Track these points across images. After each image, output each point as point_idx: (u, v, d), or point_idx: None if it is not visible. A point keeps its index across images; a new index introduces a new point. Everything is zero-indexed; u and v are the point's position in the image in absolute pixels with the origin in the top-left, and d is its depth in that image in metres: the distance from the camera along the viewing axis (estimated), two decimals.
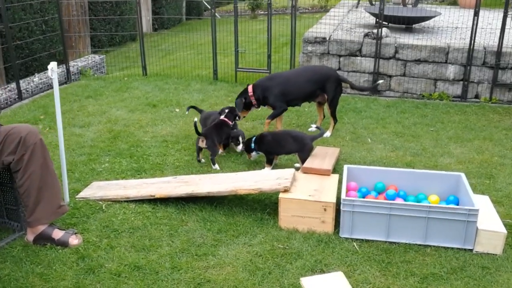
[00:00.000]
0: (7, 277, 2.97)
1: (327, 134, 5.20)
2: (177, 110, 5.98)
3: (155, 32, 13.19)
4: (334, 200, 3.51)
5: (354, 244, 3.40)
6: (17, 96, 6.33)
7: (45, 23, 8.28)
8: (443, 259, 3.26)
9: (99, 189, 4.00)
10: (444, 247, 3.37)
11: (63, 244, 3.27)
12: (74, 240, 3.30)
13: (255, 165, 4.55)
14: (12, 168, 3.17)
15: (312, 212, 3.50)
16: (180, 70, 7.84)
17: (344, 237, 3.47)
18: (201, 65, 7.86)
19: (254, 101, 5.05)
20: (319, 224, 3.52)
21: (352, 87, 5.51)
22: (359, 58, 6.86)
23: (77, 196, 3.89)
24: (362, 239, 3.45)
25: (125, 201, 3.82)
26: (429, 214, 3.36)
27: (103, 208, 3.75)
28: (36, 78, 6.91)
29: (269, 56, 7.12)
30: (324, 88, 5.13)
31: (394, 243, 3.41)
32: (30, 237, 3.32)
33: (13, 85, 6.41)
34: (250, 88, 5.07)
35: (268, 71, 7.17)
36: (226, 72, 7.53)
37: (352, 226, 3.46)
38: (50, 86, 7.00)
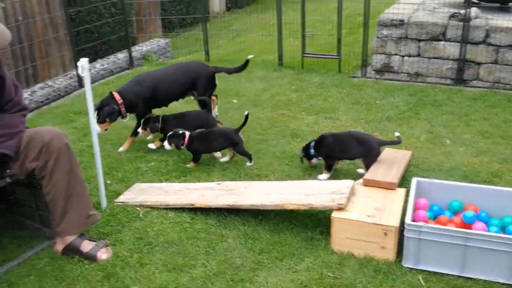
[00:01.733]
0: None
1: None
2: (235, 101, 5.58)
3: (228, 12, 12.86)
4: (397, 223, 2.97)
5: (420, 277, 2.86)
6: (77, 84, 6.21)
7: (114, 6, 8.18)
8: None
9: (140, 193, 3.72)
10: None
11: (91, 258, 3.02)
12: (102, 255, 3.03)
13: (312, 170, 4.07)
14: (36, 174, 2.93)
15: (370, 236, 2.98)
16: (246, 55, 7.39)
17: (408, 268, 2.93)
18: (268, 49, 7.38)
19: (123, 110, 4.46)
20: (378, 250, 3.00)
21: (229, 72, 5.05)
22: (442, 42, 6.08)
23: (115, 201, 3.63)
24: (430, 271, 2.90)
25: (164, 208, 3.51)
26: None
27: (140, 215, 3.46)
28: (98, 64, 6.77)
29: (339, 41, 6.49)
30: (195, 87, 4.78)
31: (470, 279, 2.83)
32: (59, 246, 3.09)
33: (74, 72, 6.30)
34: (117, 96, 4.45)
35: (338, 57, 6.56)
36: (293, 57, 6.99)
37: (418, 255, 2.91)
38: (112, 73, 6.86)
